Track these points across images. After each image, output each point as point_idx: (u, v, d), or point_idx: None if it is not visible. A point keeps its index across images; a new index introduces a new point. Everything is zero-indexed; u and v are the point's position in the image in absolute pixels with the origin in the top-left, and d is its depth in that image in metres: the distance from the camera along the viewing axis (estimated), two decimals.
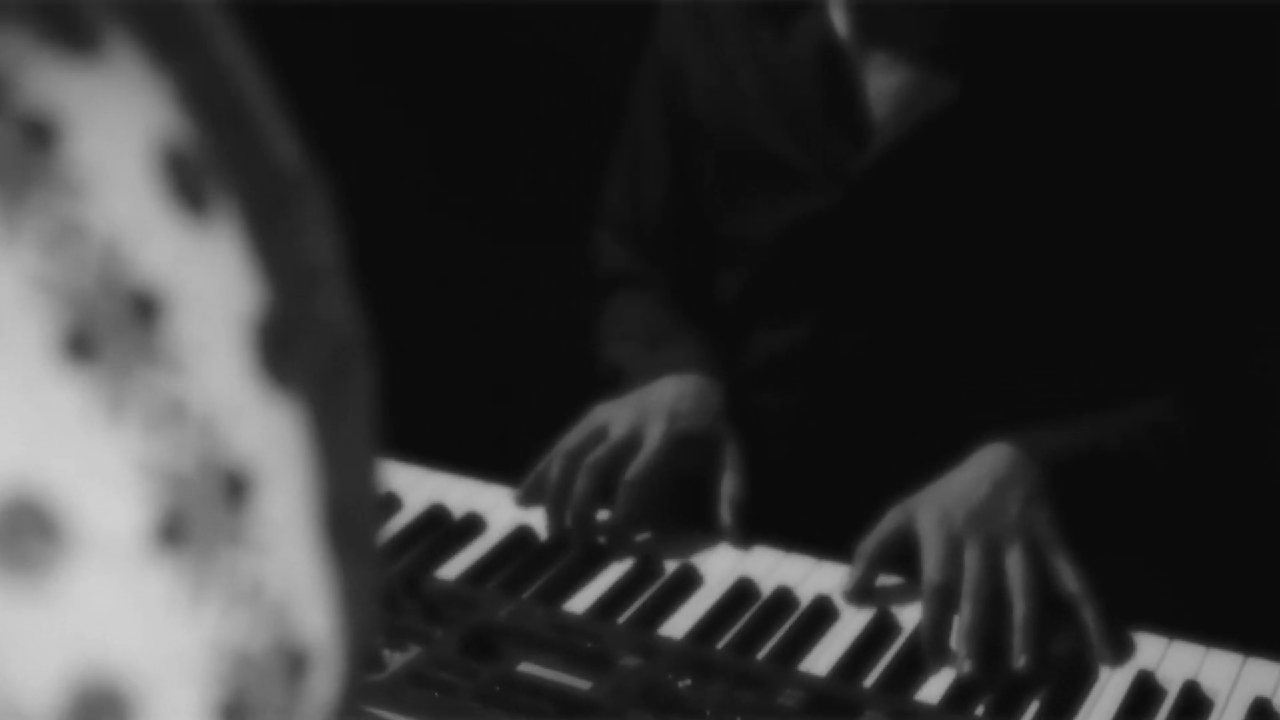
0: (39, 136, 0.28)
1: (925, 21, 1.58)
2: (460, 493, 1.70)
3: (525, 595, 1.53)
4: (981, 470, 1.50)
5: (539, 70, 2.51)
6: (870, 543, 1.50)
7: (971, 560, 1.43)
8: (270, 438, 0.31)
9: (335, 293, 0.36)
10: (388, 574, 1.54)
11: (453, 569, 1.58)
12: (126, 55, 0.31)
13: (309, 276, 0.34)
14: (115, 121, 0.30)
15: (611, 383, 1.79)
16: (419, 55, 2.57)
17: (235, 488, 0.30)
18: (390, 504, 1.66)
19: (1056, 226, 1.58)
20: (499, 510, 1.67)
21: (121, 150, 0.29)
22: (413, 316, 2.34)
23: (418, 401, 1.81)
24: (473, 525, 1.65)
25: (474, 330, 2.55)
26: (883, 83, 1.60)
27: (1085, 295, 1.60)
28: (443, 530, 1.64)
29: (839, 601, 1.51)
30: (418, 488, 1.70)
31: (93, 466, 0.28)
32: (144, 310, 0.29)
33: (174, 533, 0.29)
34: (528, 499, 1.65)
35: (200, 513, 0.29)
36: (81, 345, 0.28)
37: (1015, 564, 1.44)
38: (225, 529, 0.30)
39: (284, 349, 0.32)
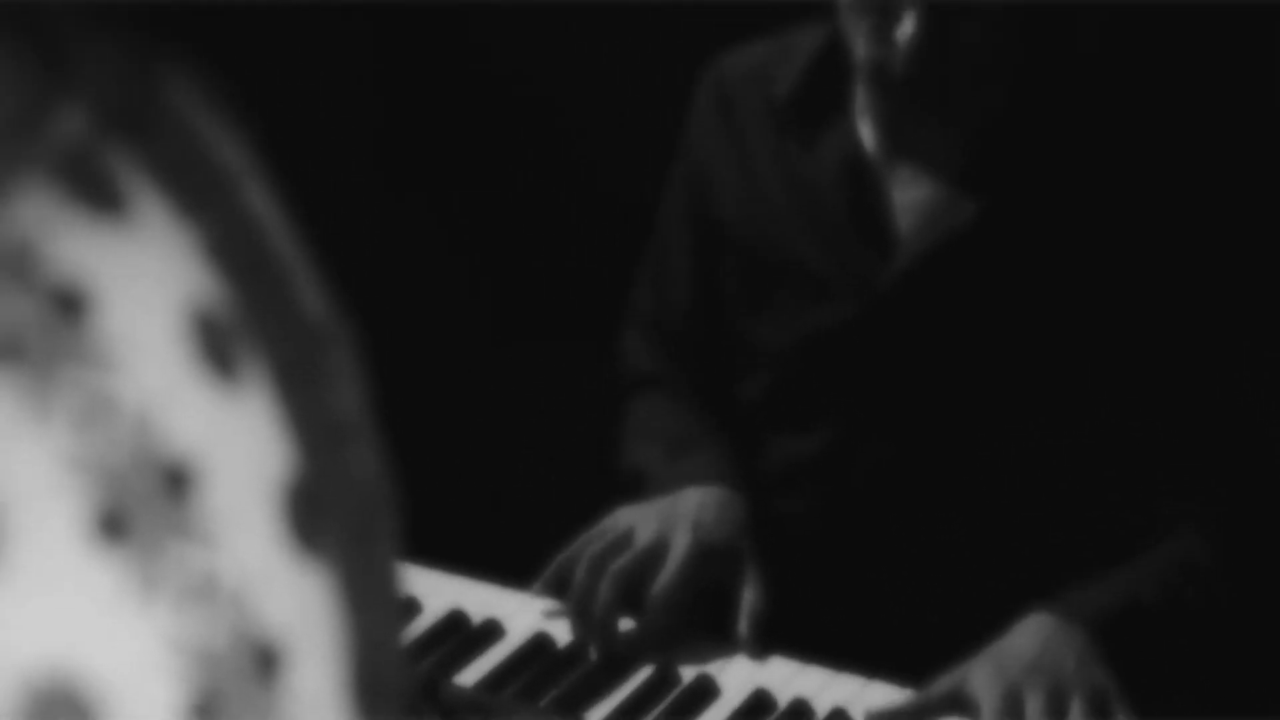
0: (68, 308, 0.28)
1: (950, 140, 1.59)
2: (479, 598, 1.69)
3: (543, 703, 1.52)
4: (1027, 635, 1.49)
5: (565, 168, 2.52)
6: (916, 700, 1.48)
7: (1033, 708, 1.42)
8: (301, 606, 0.31)
9: (364, 447, 0.35)
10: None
11: (471, 675, 1.57)
12: (154, 212, 0.31)
13: (338, 433, 0.34)
14: (144, 287, 0.29)
15: (632, 487, 1.79)
16: (441, 151, 2.58)
17: (267, 661, 0.30)
18: (410, 608, 1.66)
19: (1079, 344, 1.58)
20: (518, 617, 1.66)
21: (151, 318, 0.29)
22: (434, 419, 2.34)
23: (439, 506, 1.81)
24: (491, 631, 1.64)
25: (495, 434, 2.54)
26: (909, 196, 1.62)
27: (1108, 411, 1.60)
28: (461, 636, 1.63)
29: (856, 715, 1.50)
30: (437, 593, 1.69)
31: (126, 648, 0.27)
32: (175, 483, 0.29)
33: (207, 712, 0.28)
34: (546, 589, 1.65)
35: (233, 690, 0.29)
36: (114, 524, 0.28)
37: (1078, 713, 1.42)
38: (258, 706, 0.30)
39: (314, 512, 0.32)
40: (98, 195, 0.29)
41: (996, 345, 1.60)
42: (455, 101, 2.54)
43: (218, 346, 0.30)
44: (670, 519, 1.64)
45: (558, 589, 1.64)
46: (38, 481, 0.27)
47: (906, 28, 1.48)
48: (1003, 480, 1.62)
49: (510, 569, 1.72)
